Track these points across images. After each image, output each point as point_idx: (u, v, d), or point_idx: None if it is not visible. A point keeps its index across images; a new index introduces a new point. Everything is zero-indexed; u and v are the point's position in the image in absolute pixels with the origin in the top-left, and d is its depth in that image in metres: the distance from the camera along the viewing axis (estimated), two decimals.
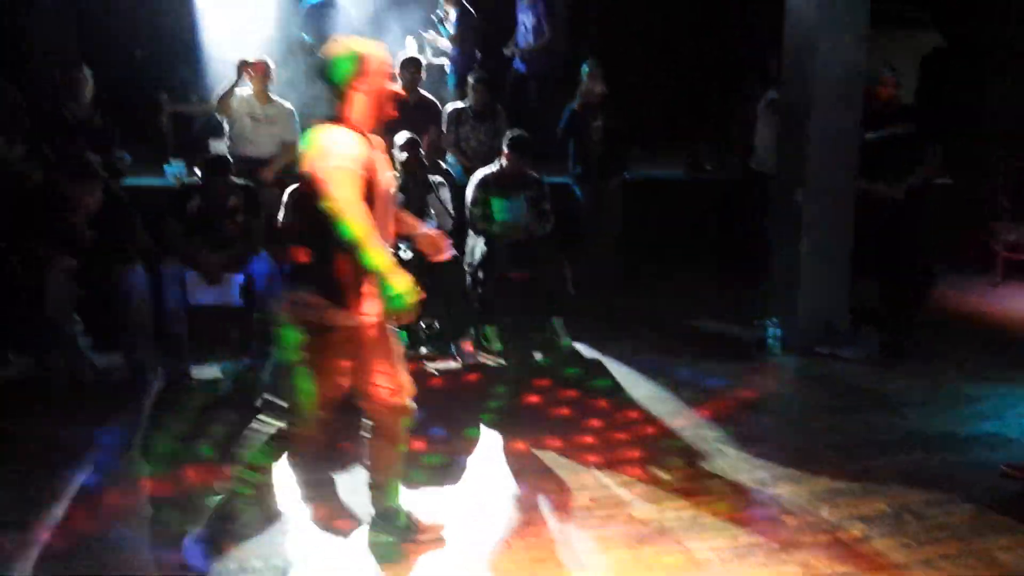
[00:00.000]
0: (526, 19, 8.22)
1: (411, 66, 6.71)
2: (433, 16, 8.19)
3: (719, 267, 7.33)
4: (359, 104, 2.97)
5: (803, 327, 5.61)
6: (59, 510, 3.57)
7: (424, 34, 8.11)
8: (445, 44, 8.16)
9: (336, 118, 2.96)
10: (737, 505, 3.69)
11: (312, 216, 2.82)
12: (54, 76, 6.33)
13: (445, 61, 8.19)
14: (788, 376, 5.45)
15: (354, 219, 2.71)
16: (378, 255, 2.74)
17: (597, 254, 6.87)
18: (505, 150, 5.71)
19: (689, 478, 3.93)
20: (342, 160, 2.80)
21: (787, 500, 3.73)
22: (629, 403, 4.84)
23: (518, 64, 8.33)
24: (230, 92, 6.30)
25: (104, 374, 5.06)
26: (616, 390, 5.06)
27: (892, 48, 7.70)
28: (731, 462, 4.10)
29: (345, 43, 2.98)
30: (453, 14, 8.06)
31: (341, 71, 2.94)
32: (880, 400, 4.92)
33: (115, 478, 3.86)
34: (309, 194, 2.84)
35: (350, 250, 2.75)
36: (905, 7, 8.49)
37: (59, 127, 5.94)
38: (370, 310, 2.97)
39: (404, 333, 5.34)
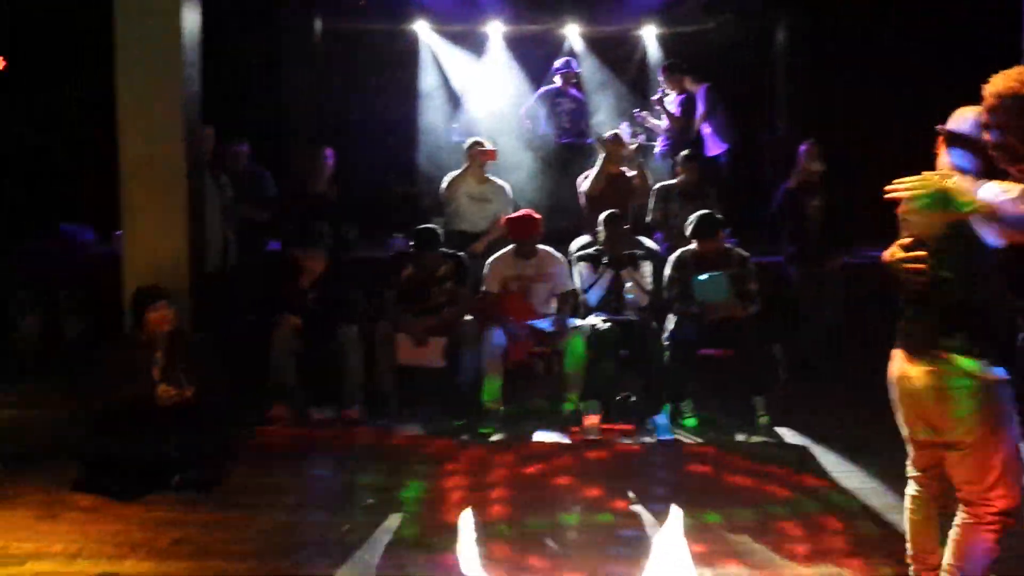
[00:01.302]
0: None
1: (615, 140, 6.85)
2: (655, 97, 8.30)
3: None
4: None
5: None
6: (262, 547, 3.79)
7: (638, 115, 8.25)
8: (655, 124, 8.24)
9: None
10: None
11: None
12: (300, 156, 7.05)
13: (657, 142, 8.27)
14: None
15: None
16: None
17: (814, 338, 6.53)
18: (690, 236, 5.66)
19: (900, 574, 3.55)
20: None
21: None
22: (836, 494, 4.45)
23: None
24: (460, 177, 6.68)
25: (319, 426, 5.38)
26: (821, 476, 4.68)
27: None
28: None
29: None
30: (674, 96, 8.13)
31: None
32: None
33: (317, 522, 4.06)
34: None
35: None
36: None
37: (299, 201, 6.56)
38: None
39: (597, 402, 5.32)
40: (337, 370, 5.44)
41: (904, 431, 3.03)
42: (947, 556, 2.91)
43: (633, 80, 9.14)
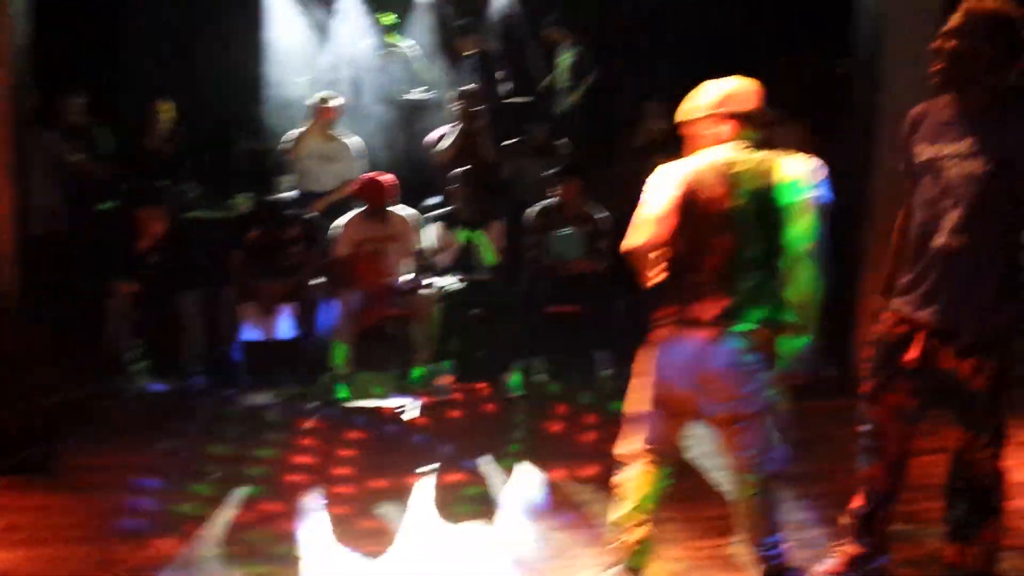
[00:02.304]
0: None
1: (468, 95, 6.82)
2: None
3: None
4: None
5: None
6: (97, 529, 3.64)
7: None
8: None
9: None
10: None
11: None
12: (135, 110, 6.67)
13: None
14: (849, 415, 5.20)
15: None
16: None
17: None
18: (555, 177, 5.71)
19: (723, 516, 3.77)
20: None
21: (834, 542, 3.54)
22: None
23: None
24: (304, 136, 6.47)
25: (158, 398, 5.19)
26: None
27: None
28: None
29: None
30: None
31: None
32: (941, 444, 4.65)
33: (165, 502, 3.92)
34: None
35: None
36: None
37: (133, 159, 6.23)
38: None
39: (451, 362, 5.36)
40: (177, 338, 5.24)
41: (659, 405, 2.92)
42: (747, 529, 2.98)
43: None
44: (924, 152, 2.84)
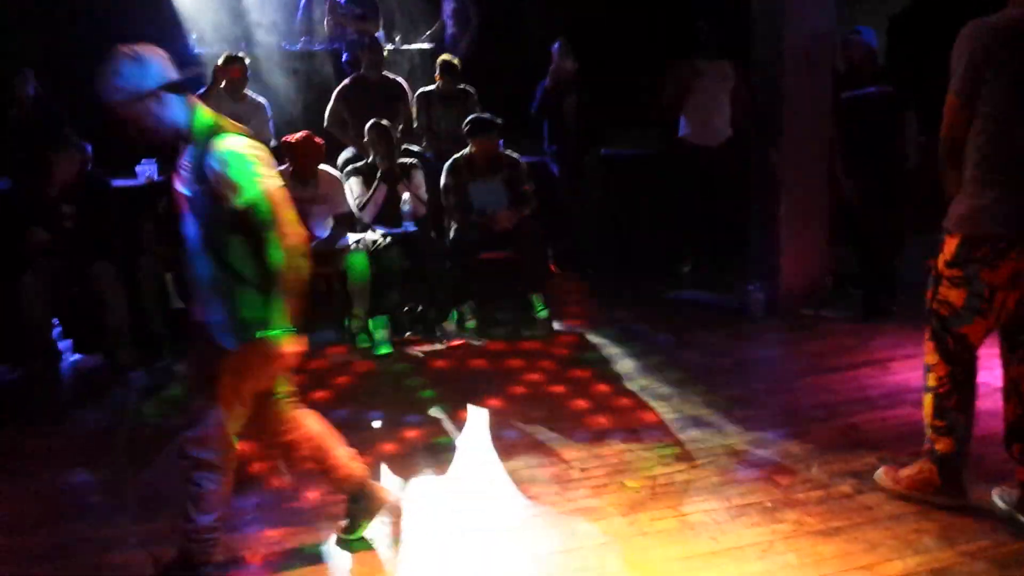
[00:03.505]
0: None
1: (374, 46, 6.67)
2: None
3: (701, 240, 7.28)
4: None
5: (786, 289, 5.62)
6: (47, 514, 3.52)
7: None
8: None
9: None
10: (728, 467, 3.68)
11: None
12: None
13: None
14: (773, 338, 5.45)
15: None
16: None
17: (576, 231, 6.87)
18: (466, 133, 5.67)
19: (679, 444, 3.93)
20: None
21: (778, 460, 3.73)
22: (613, 375, 4.83)
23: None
24: (207, 95, 6.20)
25: (85, 375, 5.01)
26: (599, 363, 5.04)
27: (862, 10, 7.71)
28: (720, 425, 4.10)
29: None
30: None
31: None
32: (866, 358, 4.93)
33: (101, 478, 3.82)
34: None
35: None
36: None
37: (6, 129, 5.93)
38: None
39: (386, 318, 5.33)
40: (98, 312, 5.04)
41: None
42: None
43: None
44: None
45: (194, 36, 7.68)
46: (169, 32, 7.65)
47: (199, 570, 2.88)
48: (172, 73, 2.69)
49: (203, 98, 6.18)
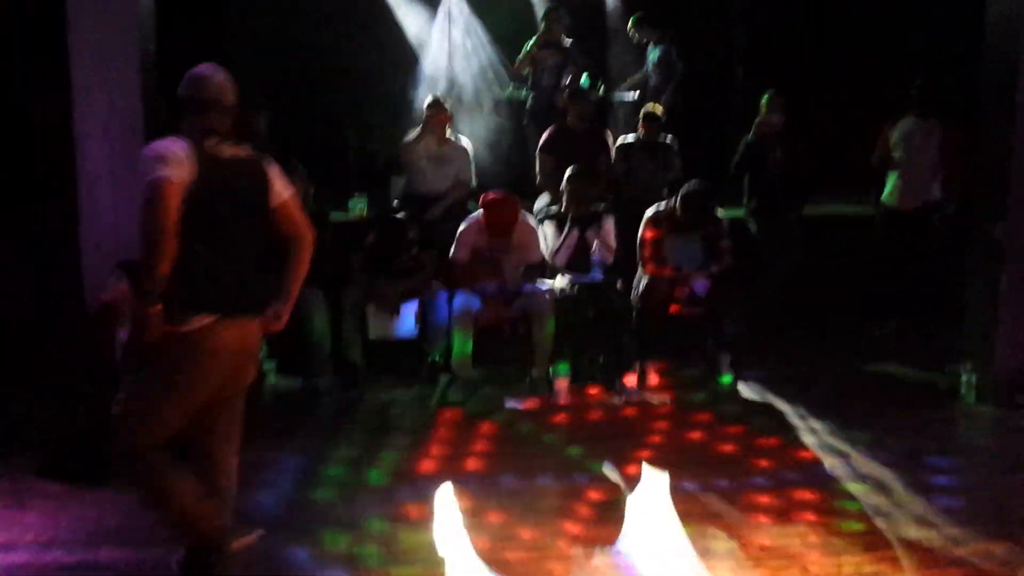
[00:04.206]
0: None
1: (579, 95, 6.77)
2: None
3: (906, 307, 6.86)
4: None
5: (1003, 374, 5.17)
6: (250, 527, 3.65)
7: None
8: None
9: None
10: (924, 563, 3.41)
11: None
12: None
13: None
14: (983, 427, 5.02)
15: None
16: None
17: (773, 292, 6.64)
18: (678, 203, 5.61)
19: (871, 531, 3.67)
20: None
21: (979, 561, 3.41)
22: (800, 448, 4.59)
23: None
24: (416, 140, 6.51)
25: (283, 396, 5.33)
26: (785, 434, 4.80)
27: None
28: (918, 516, 3.80)
29: None
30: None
31: None
32: None
33: (288, 500, 4.01)
34: None
35: None
36: None
37: None
38: None
39: (567, 365, 5.34)
40: (302, 337, 5.36)
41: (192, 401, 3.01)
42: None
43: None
44: None
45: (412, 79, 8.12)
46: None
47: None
48: None
49: (414, 141, 6.54)
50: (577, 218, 5.67)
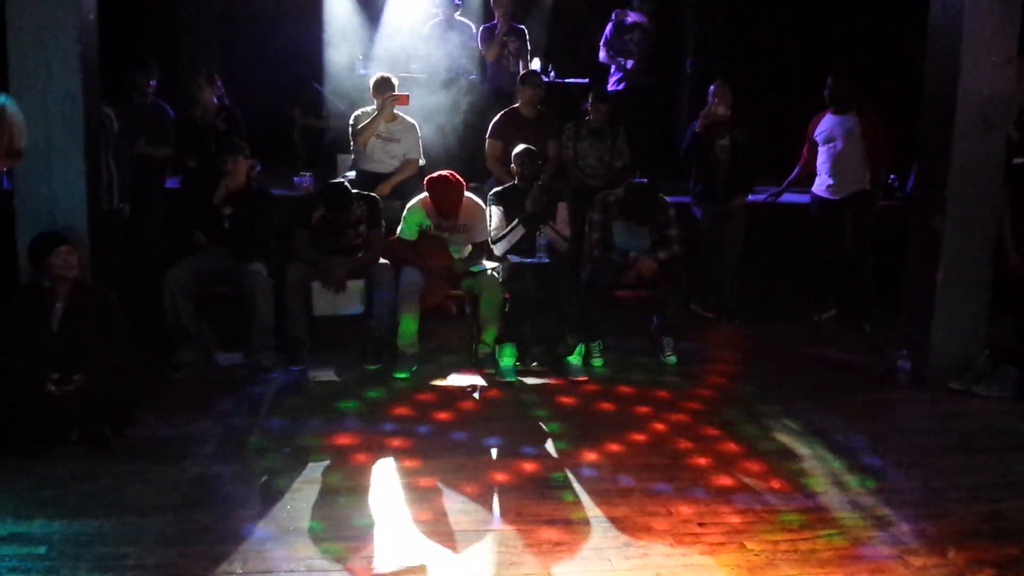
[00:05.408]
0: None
1: (532, 81, 6.75)
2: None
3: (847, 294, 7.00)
4: None
5: (936, 361, 5.31)
6: (178, 500, 3.70)
7: None
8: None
9: None
10: (857, 542, 3.49)
11: None
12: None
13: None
14: (918, 411, 5.15)
15: None
16: None
17: (715, 276, 6.72)
18: (624, 194, 5.66)
19: (806, 511, 3.74)
20: None
21: (911, 540, 3.51)
22: (742, 430, 4.66)
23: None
24: (372, 122, 6.39)
25: (227, 372, 5.25)
26: (725, 414, 4.87)
27: None
28: (852, 497, 3.89)
29: None
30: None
31: None
32: (1016, 441, 4.59)
33: (233, 472, 3.98)
34: None
35: None
36: None
37: (191, 132, 6.33)
38: None
39: (513, 347, 5.34)
40: (245, 313, 5.28)
41: None
42: None
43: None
44: None
45: (361, 57, 8.01)
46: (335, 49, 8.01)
47: None
48: None
49: (363, 117, 6.46)
50: (528, 218, 5.65)
